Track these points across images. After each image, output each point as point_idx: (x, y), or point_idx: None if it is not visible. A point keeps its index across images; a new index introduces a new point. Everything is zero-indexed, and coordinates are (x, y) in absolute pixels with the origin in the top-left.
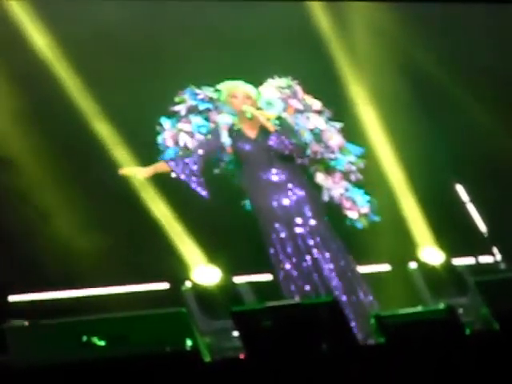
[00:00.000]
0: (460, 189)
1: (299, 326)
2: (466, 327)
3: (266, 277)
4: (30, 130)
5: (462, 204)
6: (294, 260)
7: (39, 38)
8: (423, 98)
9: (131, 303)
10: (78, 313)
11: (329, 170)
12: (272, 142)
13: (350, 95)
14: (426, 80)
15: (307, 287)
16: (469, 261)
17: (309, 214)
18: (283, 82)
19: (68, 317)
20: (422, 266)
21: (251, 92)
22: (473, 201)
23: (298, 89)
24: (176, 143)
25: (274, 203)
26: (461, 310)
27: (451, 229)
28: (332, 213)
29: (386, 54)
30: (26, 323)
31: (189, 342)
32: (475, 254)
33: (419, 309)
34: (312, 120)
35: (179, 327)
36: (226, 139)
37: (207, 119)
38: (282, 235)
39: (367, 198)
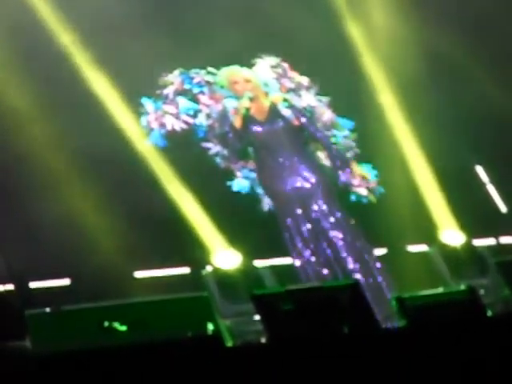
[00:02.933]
0: (480, 170)
1: (320, 309)
2: (488, 308)
3: (287, 260)
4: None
5: (482, 185)
6: (310, 244)
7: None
8: (442, 79)
9: (152, 288)
10: (99, 298)
11: (329, 148)
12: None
13: (368, 77)
14: (446, 61)
15: (325, 271)
16: (489, 242)
17: (322, 197)
18: (273, 60)
19: (89, 303)
20: (443, 248)
21: (250, 75)
22: (493, 182)
23: (286, 67)
24: (161, 125)
25: (288, 187)
26: (482, 291)
27: (472, 210)
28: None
29: (404, 33)
30: (48, 309)
31: (210, 327)
32: (496, 235)
33: (440, 290)
34: (304, 98)
35: (201, 312)
36: (235, 122)
37: (194, 101)
38: (297, 219)
39: (375, 172)
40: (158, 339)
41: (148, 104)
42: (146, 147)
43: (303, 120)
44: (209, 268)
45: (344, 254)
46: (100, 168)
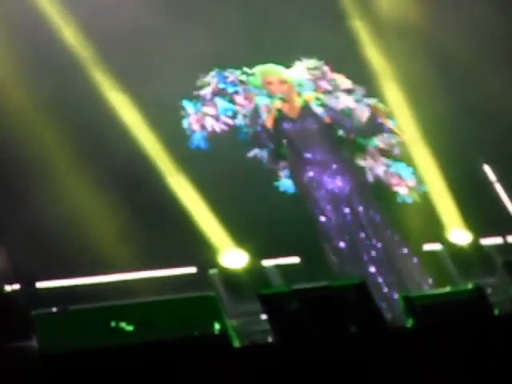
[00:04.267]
0: (487, 169)
1: (327, 308)
2: (495, 307)
3: (294, 260)
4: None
5: (490, 184)
6: (343, 240)
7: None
8: (449, 79)
9: (159, 288)
10: (106, 298)
11: (364, 149)
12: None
13: (375, 75)
14: (454, 60)
15: (355, 266)
16: (497, 241)
17: (355, 194)
18: (311, 63)
19: (96, 302)
20: (451, 247)
21: (285, 75)
22: (500, 181)
23: (326, 69)
24: (202, 127)
25: (321, 184)
26: (489, 290)
27: (479, 209)
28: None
29: (412, 34)
30: (55, 309)
31: (217, 326)
32: (503, 234)
33: (448, 289)
34: (342, 99)
35: (207, 311)
36: (267, 122)
37: (232, 102)
38: (331, 216)
39: (410, 169)
40: (164, 339)
41: (188, 106)
42: (157, 148)
43: (336, 118)
44: (216, 268)
45: (376, 252)
46: (106, 168)
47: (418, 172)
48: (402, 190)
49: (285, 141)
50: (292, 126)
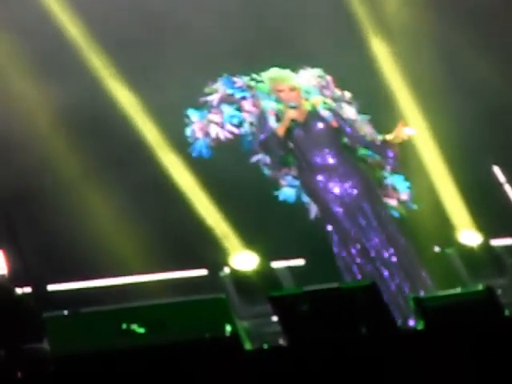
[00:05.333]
0: (497, 170)
1: (338, 310)
2: (506, 308)
3: (304, 261)
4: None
5: (500, 185)
6: (355, 245)
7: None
8: (460, 79)
9: (170, 290)
10: (117, 301)
11: (364, 158)
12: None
13: (384, 80)
14: (463, 60)
15: (368, 270)
16: (507, 242)
17: (364, 198)
18: (316, 72)
19: (107, 305)
20: (461, 248)
21: (294, 82)
22: (510, 182)
23: (330, 80)
24: (206, 134)
25: (330, 188)
26: (500, 291)
27: (489, 210)
28: None
29: (422, 35)
30: (66, 312)
31: (228, 328)
32: None
33: (458, 290)
34: (345, 110)
35: (218, 314)
36: (274, 124)
37: (239, 109)
38: (342, 219)
39: (407, 184)
40: (175, 341)
41: (193, 115)
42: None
43: (342, 124)
44: (226, 270)
45: (387, 255)
46: (119, 172)
47: (413, 188)
48: (391, 202)
49: (292, 145)
50: (300, 130)
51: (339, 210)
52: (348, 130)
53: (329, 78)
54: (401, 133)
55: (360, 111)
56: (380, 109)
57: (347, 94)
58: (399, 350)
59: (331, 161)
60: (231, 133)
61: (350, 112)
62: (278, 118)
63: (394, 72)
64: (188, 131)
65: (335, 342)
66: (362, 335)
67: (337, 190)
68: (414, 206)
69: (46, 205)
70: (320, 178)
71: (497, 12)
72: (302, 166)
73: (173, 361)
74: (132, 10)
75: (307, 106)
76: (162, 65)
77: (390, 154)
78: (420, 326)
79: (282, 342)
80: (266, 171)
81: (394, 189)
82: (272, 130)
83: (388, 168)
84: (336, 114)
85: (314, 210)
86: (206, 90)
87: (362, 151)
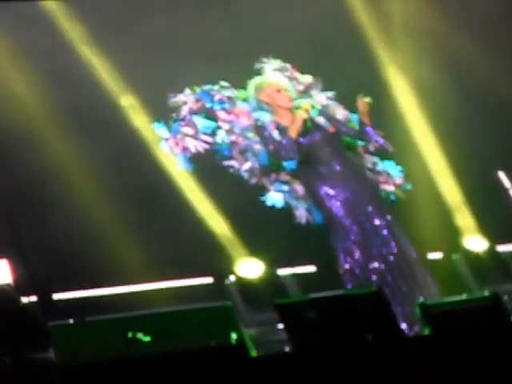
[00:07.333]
0: (502, 175)
1: (344, 317)
2: None
3: (310, 269)
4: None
5: (505, 190)
6: (360, 251)
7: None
8: (465, 85)
9: (176, 298)
10: (122, 309)
11: (350, 147)
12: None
13: (389, 82)
14: (468, 64)
15: (373, 276)
16: None
17: (368, 201)
18: (276, 64)
19: (113, 313)
20: (467, 254)
21: (279, 83)
22: None
23: (290, 68)
24: (184, 149)
25: (335, 193)
26: (506, 297)
27: (495, 216)
28: None
29: (426, 38)
30: (71, 321)
31: (234, 336)
32: None
33: (464, 297)
34: (315, 98)
35: (224, 321)
36: (291, 131)
37: (211, 118)
38: (348, 224)
39: (399, 168)
40: (181, 349)
41: (161, 130)
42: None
43: (337, 125)
44: (232, 277)
45: (392, 258)
46: (124, 180)
47: (405, 171)
48: (388, 188)
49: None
50: (303, 139)
51: (344, 215)
52: (343, 129)
53: (288, 66)
54: (363, 106)
55: (323, 89)
56: (382, 111)
57: (308, 78)
58: (405, 357)
59: (337, 168)
60: (206, 142)
61: (319, 98)
62: (280, 129)
63: (397, 77)
64: (164, 148)
65: (341, 349)
66: (369, 342)
67: (342, 196)
68: (409, 186)
69: (50, 214)
70: (325, 185)
71: (504, 17)
72: (308, 174)
73: (179, 369)
74: None
75: (301, 115)
76: None
77: (380, 141)
78: (426, 333)
79: (288, 349)
80: (249, 178)
81: (388, 174)
82: (286, 137)
83: (371, 149)
84: (328, 117)
85: (303, 215)
86: (171, 103)
87: (349, 140)
